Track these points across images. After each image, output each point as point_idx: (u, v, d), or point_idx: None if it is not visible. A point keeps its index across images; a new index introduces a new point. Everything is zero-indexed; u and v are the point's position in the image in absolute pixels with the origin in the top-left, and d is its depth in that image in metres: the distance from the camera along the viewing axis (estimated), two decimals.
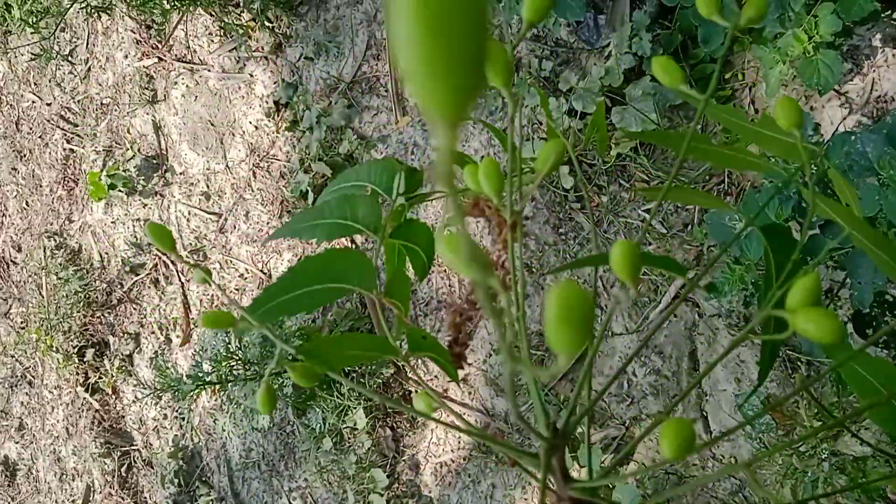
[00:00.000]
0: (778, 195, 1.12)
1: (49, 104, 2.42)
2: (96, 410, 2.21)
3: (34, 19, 2.16)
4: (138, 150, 2.21)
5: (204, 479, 2.02)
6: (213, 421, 2.01)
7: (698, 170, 1.43)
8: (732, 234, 1.11)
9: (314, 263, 0.45)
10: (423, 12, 0.11)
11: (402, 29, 0.11)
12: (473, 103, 0.12)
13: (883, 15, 1.17)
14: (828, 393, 1.20)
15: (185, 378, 1.60)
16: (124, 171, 2.20)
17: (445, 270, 1.77)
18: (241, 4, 2.00)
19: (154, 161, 2.20)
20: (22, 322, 2.38)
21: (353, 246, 1.81)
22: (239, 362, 1.78)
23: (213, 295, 2.06)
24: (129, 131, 2.24)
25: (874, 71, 1.28)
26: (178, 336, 2.11)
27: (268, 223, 1.99)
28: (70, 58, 2.36)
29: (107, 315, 2.23)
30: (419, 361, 1.77)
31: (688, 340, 1.47)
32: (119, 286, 2.22)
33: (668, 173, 1.39)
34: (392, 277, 0.47)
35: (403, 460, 1.77)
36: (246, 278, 2.02)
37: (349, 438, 1.80)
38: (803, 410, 1.20)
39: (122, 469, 2.17)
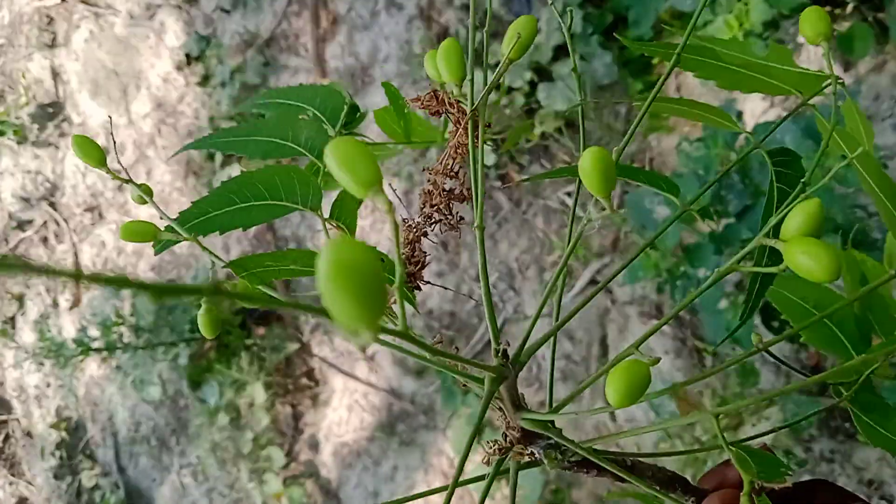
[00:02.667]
0: (697, 180, 1.10)
1: None
2: None
3: None
4: (33, 96, 2.04)
5: (88, 452, 1.90)
6: (101, 391, 1.89)
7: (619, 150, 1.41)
8: (651, 217, 1.09)
9: (252, 178, 0.40)
10: (336, 274, 0.17)
11: (323, 284, 0.17)
12: (379, 319, 0.17)
13: None
14: (732, 383, 1.21)
15: (69, 343, 1.48)
16: (16, 118, 2.03)
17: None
18: None
19: (50, 109, 2.03)
20: None
21: None
22: (131, 329, 1.67)
23: (106, 257, 1.92)
24: (23, 76, 2.07)
25: None
26: (67, 300, 1.97)
27: (171, 183, 1.87)
28: None
29: None
30: (326, 338, 1.70)
31: (599, 326, 1.46)
32: (4, 242, 2.06)
33: None
34: (339, 198, 0.42)
35: (303, 439, 1.70)
36: None
37: (246, 414, 1.71)
38: (707, 399, 1.20)
39: None
